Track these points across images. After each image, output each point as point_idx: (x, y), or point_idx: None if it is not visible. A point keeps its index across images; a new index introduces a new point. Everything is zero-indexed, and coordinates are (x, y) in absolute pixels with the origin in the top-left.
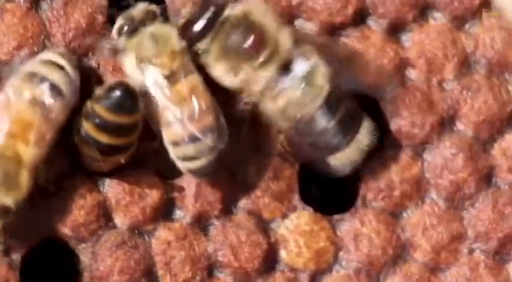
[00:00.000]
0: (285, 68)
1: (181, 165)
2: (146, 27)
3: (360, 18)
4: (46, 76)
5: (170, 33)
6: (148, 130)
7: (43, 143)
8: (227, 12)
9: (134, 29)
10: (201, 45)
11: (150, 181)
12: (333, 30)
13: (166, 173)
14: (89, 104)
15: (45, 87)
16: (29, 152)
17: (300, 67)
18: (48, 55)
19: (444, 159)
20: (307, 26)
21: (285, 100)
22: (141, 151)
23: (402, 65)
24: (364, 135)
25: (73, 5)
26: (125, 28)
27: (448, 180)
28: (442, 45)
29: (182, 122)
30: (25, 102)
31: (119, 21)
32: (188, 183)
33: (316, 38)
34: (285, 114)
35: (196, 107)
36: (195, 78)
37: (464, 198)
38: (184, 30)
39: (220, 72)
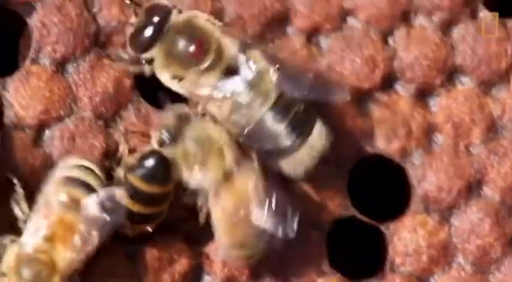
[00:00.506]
0: (230, 73)
1: (232, 253)
2: (185, 132)
3: (387, 82)
4: (82, 179)
5: (208, 130)
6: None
7: (83, 247)
8: (172, 19)
9: (174, 138)
10: (150, 54)
11: (179, 247)
12: (361, 95)
13: (195, 238)
14: (120, 173)
15: (83, 190)
16: (66, 256)
17: (245, 72)
18: (78, 161)
19: (471, 224)
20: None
21: (229, 106)
22: (171, 218)
23: (430, 129)
24: (316, 139)
25: (99, 68)
26: (166, 140)
27: (474, 244)
28: (469, 110)
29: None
30: (65, 205)
31: (157, 135)
32: (216, 249)
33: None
34: (232, 121)
35: (265, 207)
36: (251, 170)
37: (490, 262)
38: (133, 40)
39: (167, 79)
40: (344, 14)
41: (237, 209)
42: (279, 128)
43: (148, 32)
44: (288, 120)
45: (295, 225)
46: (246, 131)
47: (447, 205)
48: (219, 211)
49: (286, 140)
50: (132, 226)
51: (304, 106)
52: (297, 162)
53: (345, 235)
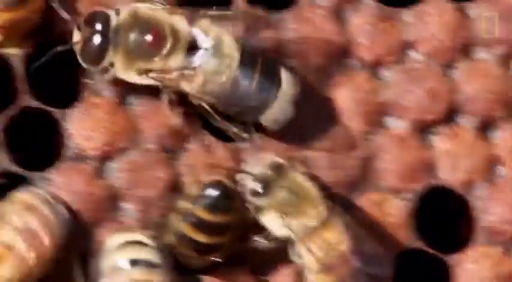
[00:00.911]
0: (191, 48)
1: None
2: (279, 182)
3: (450, 115)
4: (137, 258)
5: (303, 181)
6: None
7: None
8: (115, 20)
9: (268, 188)
10: (108, 60)
11: (245, 279)
12: (424, 127)
13: (262, 269)
14: (183, 203)
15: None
16: None
17: (204, 42)
18: (126, 236)
19: None
20: (398, 123)
21: (201, 76)
22: (238, 248)
23: (492, 161)
24: (288, 86)
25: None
26: (260, 190)
27: None
28: None
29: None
30: None
31: (251, 183)
32: (283, 279)
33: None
34: (206, 90)
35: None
36: (338, 214)
37: None
38: (84, 55)
39: (134, 77)
40: (405, 47)
41: (330, 251)
42: (251, 86)
43: (96, 40)
44: (258, 76)
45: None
46: (221, 97)
47: (511, 236)
48: (311, 257)
49: (261, 96)
50: (200, 257)
51: (266, 58)
52: (276, 113)
53: (408, 266)
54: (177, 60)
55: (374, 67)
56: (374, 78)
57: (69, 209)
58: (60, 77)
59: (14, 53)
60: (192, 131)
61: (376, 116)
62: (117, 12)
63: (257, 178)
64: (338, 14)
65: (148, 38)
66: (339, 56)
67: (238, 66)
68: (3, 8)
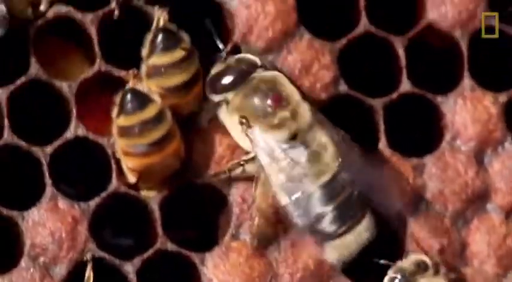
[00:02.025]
0: (296, 139)
1: None
2: (417, 279)
3: None
4: None
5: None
6: None
7: None
8: (258, 72)
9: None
10: (225, 97)
11: None
12: None
13: None
14: None
15: None
16: None
17: (310, 144)
18: None
19: None
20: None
21: (287, 171)
22: None
23: None
24: (365, 228)
25: (300, 247)
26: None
27: None
28: None
29: None
30: None
31: (391, 273)
32: None
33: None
34: (284, 188)
35: None
36: None
37: None
38: (213, 80)
39: (235, 122)
40: None
41: None
42: (325, 209)
43: (231, 75)
44: (337, 203)
45: None
46: (294, 203)
47: None
48: None
49: (330, 224)
50: None
51: (357, 193)
52: (340, 248)
53: None
54: (277, 137)
55: (510, 211)
56: (510, 222)
57: None
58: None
59: (150, 195)
60: (330, 275)
61: (510, 259)
62: (264, 68)
63: (398, 269)
64: (479, 159)
65: (271, 97)
66: (478, 200)
67: (320, 187)
68: (137, 153)
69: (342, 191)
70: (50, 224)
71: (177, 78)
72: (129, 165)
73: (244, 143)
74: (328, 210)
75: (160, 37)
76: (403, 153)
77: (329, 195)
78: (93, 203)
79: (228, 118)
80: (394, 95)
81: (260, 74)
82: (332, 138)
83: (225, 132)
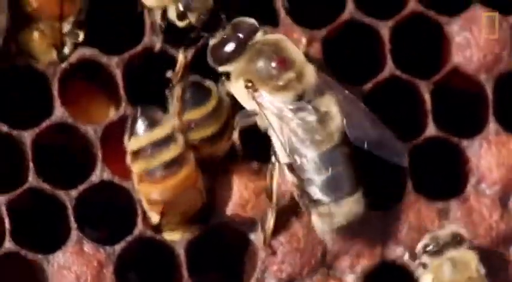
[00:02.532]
0: (302, 100)
1: None
2: (449, 251)
3: None
4: None
5: (471, 260)
6: None
7: None
8: (258, 36)
9: (438, 251)
10: (229, 68)
11: None
12: None
13: None
14: None
15: None
16: None
17: (317, 104)
18: None
19: None
20: None
21: (297, 132)
22: None
23: None
24: (353, 203)
25: None
26: (429, 248)
27: None
28: None
29: None
30: None
31: (426, 240)
32: None
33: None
34: (289, 149)
35: None
36: None
37: None
38: (214, 52)
39: (240, 87)
40: None
41: None
42: (319, 176)
43: (231, 46)
44: (330, 173)
45: None
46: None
47: None
48: None
49: (319, 191)
50: None
51: (353, 170)
52: (325, 216)
53: None
54: (284, 97)
55: None
56: None
57: None
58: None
59: (174, 238)
60: None
61: None
62: (264, 32)
63: (433, 237)
64: (503, 202)
65: (275, 60)
66: (502, 243)
67: (319, 154)
68: (152, 178)
69: (338, 163)
70: (75, 267)
71: (209, 130)
72: (149, 197)
73: (252, 107)
74: (320, 178)
75: (189, 93)
76: (428, 197)
77: (325, 164)
78: (118, 247)
79: (234, 84)
80: (420, 139)
81: (262, 37)
82: (339, 99)
83: (251, 176)
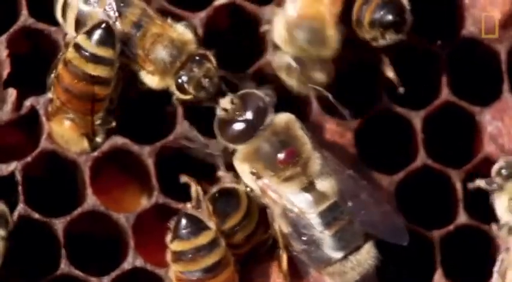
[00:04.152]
0: (306, 189)
1: None
2: None
3: None
4: None
5: None
6: None
7: None
8: (269, 118)
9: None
10: (236, 146)
11: None
12: None
13: None
14: None
15: None
16: None
17: (317, 196)
18: None
19: None
20: None
21: (295, 220)
22: None
23: None
24: (365, 256)
25: None
26: (503, 171)
27: None
28: None
29: None
30: None
31: (500, 162)
32: None
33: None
34: (288, 220)
35: None
36: None
37: None
38: (221, 127)
39: (245, 171)
40: None
41: None
42: (324, 234)
43: (241, 128)
44: (336, 228)
45: None
46: (295, 227)
47: None
48: None
49: (329, 249)
50: None
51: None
52: (339, 274)
53: None
54: (287, 188)
55: None
56: None
57: None
58: None
59: None
60: None
61: None
62: (273, 107)
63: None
64: None
65: (282, 155)
66: None
67: (324, 210)
68: (190, 279)
69: (341, 217)
70: None
71: (249, 228)
72: None
73: (254, 187)
74: (327, 235)
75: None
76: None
77: (328, 220)
78: None
79: (238, 164)
80: (451, 227)
81: (272, 121)
82: (342, 179)
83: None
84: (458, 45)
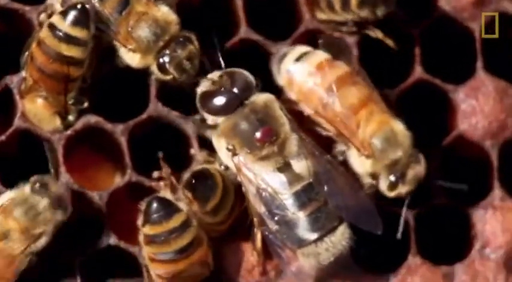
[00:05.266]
0: (280, 170)
1: None
2: None
3: None
4: None
5: None
6: None
7: None
8: (254, 96)
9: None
10: (216, 120)
11: None
12: None
13: None
14: None
15: None
16: None
17: (292, 177)
18: None
19: None
20: None
21: (269, 199)
22: None
23: None
24: (340, 237)
25: None
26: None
27: None
28: None
29: None
30: None
31: None
32: None
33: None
34: (262, 200)
35: None
36: None
37: None
38: (204, 99)
39: (222, 147)
40: None
41: None
42: (298, 215)
43: (225, 100)
44: (310, 210)
45: None
46: (271, 208)
47: None
48: None
49: (304, 230)
50: None
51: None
52: (313, 255)
53: None
54: (262, 168)
55: None
56: None
57: None
58: None
59: None
60: None
61: None
62: (257, 87)
63: None
64: (508, 266)
65: (259, 133)
66: None
67: (298, 190)
68: (164, 260)
69: (316, 198)
70: None
71: (223, 213)
72: (157, 272)
73: (230, 165)
74: (302, 216)
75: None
76: (433, 261)
77: (302, 201)
78: None
79: (216, 139)
80: (427, 206)
81: (253, 99)
82: (319, 163)
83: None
84: (432, 23)
